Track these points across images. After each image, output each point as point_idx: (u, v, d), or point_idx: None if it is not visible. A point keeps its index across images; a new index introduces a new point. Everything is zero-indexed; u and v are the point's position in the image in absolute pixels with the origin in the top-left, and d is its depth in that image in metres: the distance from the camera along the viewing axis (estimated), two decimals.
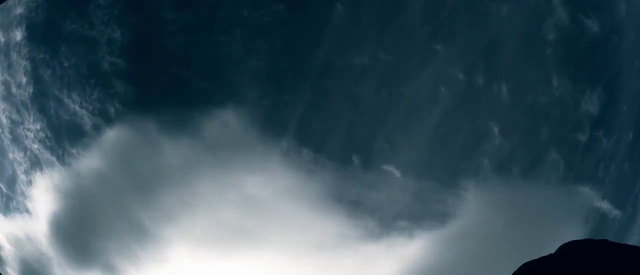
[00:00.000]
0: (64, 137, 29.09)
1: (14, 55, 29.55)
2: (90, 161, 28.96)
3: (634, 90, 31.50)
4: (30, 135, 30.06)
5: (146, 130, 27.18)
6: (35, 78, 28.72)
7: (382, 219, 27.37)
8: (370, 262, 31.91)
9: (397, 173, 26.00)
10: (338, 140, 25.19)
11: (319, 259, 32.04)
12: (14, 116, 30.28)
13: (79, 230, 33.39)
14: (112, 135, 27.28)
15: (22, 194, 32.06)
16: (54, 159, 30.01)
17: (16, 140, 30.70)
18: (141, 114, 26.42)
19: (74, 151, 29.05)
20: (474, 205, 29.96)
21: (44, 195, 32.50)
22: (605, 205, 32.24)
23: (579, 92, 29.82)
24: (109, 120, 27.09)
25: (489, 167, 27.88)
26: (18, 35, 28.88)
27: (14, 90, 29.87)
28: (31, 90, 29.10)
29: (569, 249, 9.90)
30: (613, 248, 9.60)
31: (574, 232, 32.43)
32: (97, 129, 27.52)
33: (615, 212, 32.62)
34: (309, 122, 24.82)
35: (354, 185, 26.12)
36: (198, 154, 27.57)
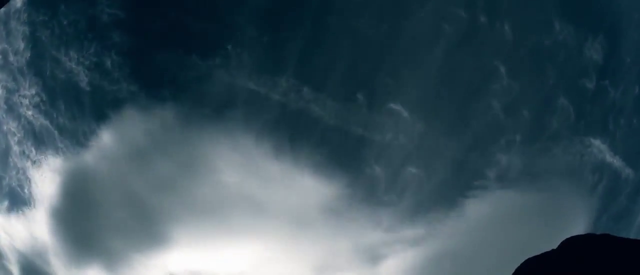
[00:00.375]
0: (59, 99, 28.38)
1: (13, 23, 29.55)
2: (84, 123, 28.07)
3: (636, 43, 31.35)
4: (25, 101, 29.36)
5: (142, 85, 26.51)
6: (33, 41, 28.49)
7: (389, 165, 25.94)
8: (380, 226, 29.98)
9: (404, 112, 24.98)
10: (340, 77, 24.41)
11: (324, 223, 30.11)
12: (10, 84, 29.74)
13: (76, 212, 31.75)
14: (108, 91, 26.56)
15: (15, 166, 30.84)
16: (47, 123, 29.10)
17: (11, 109, 29.97)
18: (138, 63, 25.88)
19: (68, 113, 28.23)
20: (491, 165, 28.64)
21: (38, 172, 31.26)
22: (617, 161, 31.18)
23: (582, 38, 29.53)
24: (105, 74, 26.48)
25: (499, 108, 26.91)
26: (18, 2, 29.04)
27: (11, 58, 29.56)
28: (28, 55, 28.79)
29: (570, 244, 9.61)
30: (615, 242, 9.33)
31: (589, 190, 31.13)
32: (92, 85, 26.86)
33: (628, 171, 31.60)
34: (309, 58, 24.16)
35: (359, 126, 24.97)
36: (197, 108, 26.71)
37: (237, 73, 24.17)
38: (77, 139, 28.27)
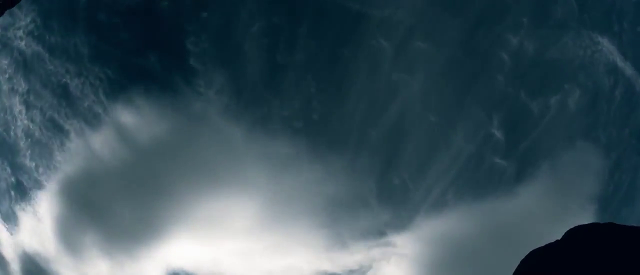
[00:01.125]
0: (53, 18, 28.00)
1: None
2: (76, 36, 27.28)
3: None
4: (19, 33, 28.90)
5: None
6: None
7: (395, 37, 24.47)
8: None
9: None
10: None
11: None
12: (7, 21, 29.56)
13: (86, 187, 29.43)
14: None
15: (3, 108, 29.17)
16: (39, 48, 28.26)
17: (5, 46, 29.37)
18: None
19: (61, 30, 27.60)
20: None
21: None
22: (629, 69, 30.00)
23: None
24: None
25: None
26: None
27: None
28: None
29: (575, 234, 10.00)
30: (619, 231, 9.76)
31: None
32: None
33: None
34: None
35: (356, 1, 24.12)
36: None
37: None
38: (68, 55, 27.32)
